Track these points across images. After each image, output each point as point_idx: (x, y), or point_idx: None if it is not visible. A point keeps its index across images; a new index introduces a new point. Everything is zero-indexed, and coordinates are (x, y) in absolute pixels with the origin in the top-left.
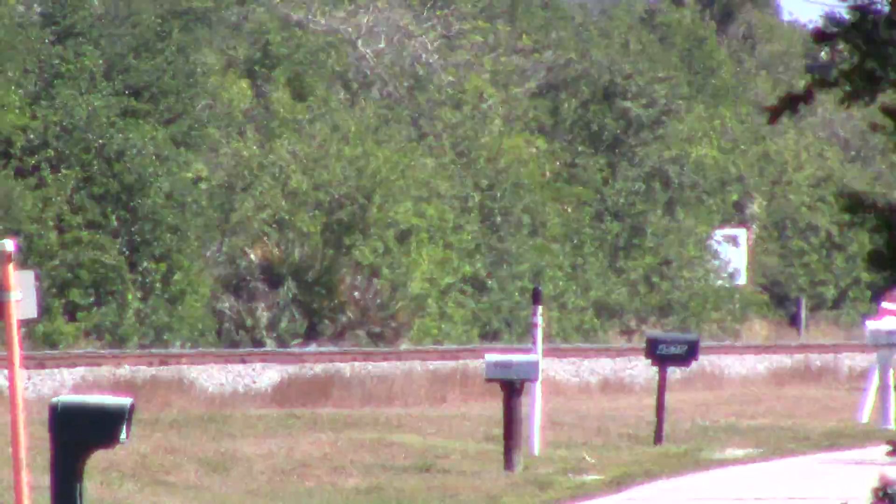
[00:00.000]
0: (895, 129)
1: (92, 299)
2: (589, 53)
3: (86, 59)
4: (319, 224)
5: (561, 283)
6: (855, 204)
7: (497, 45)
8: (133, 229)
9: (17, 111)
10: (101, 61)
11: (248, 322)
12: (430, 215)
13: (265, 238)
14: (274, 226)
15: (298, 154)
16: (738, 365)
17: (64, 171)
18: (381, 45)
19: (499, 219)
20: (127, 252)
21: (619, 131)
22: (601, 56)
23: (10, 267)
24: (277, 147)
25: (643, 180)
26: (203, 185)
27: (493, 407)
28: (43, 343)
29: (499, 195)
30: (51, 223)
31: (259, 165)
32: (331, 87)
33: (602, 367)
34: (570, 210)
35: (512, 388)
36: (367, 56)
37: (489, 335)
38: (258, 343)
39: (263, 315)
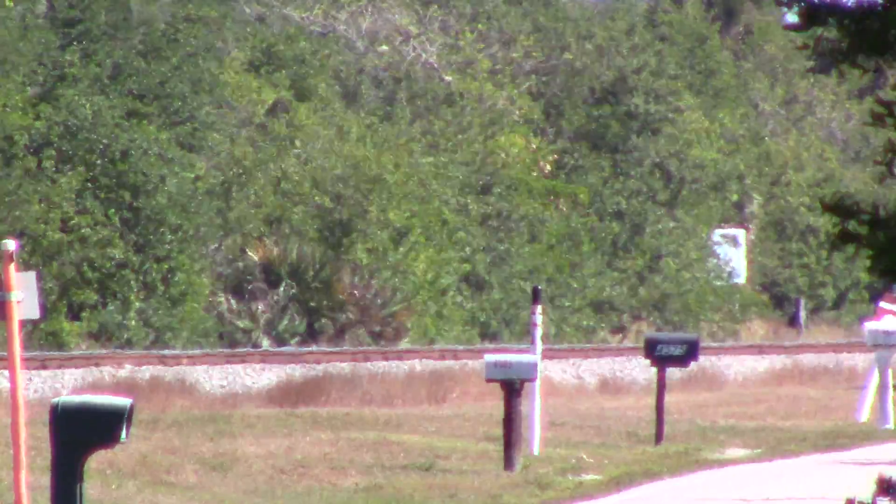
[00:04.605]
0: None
1: (95, 297)
2: (597, 45)
3: (92, 62)
4: (318, 224)
5: (559, 282)
6: (846, 208)
7: (494, 43)
8: (136, 230)
9: (20, 111)
10: (108, 62)
11: (248, 322)
12: (428, 215)
13: (264, 238)
14: (273, 225)
15: (303, 155)
16: (738, 365)
17: (68, 171)
18: (383, 48)
19: (495, 222)
20: (131, 252)
21: (622, 132)
22: (603, 43)
23: (12, 267)
24: (286, 145)
25: (643, 179)
26: (201, 186)
27: (493, 407)
28: (47, 342)
29: (494, 199)
30: (56, 223)
31: (256, 165)
32: (330, 88)
33: (601, 367)
34: (565, 209)
35: (512, 388)
36: (367, 57)
37: (488, 335)
38: (258, 343)
39: (263, 315)
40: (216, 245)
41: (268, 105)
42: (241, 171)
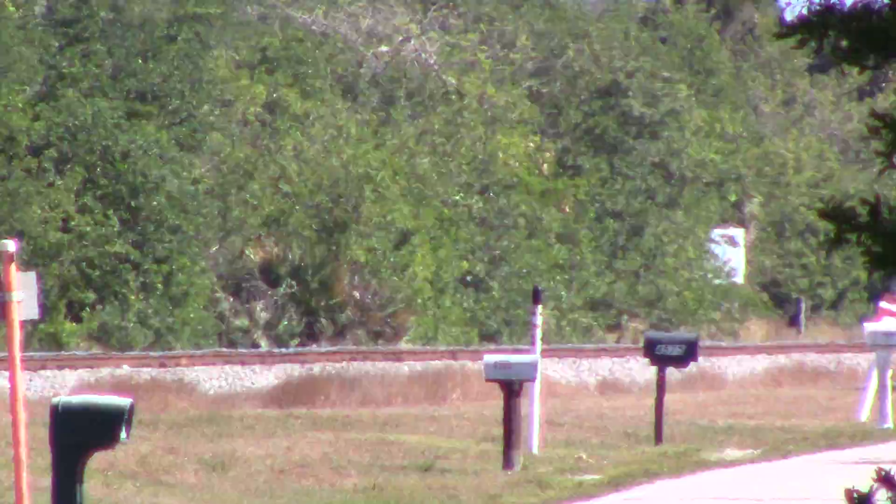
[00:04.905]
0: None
1: (95, 298)
2: (593, 49)
3: (91, 63)
4: (316, 223)
5: (559, 282)
6: (843, 214)
7: (496, 44)
8: (136, 230)
9: (20, 112)
10: (107, 62)
11: (247, 322)
12: (428, 215)
13: (262, 238)
14: (272, 225)
15: (302, 154)
16: (737, 365)
17: (68, 171)
18: (383, 48)
19: (494, 220)
20: (130, 248)
21: (619, 133)
22: (603, 53)
23: (13, 268)
24: (285, 143)
25: (642, 178)
26: (201, 186)
27: (492, 407)
28: (46, 343)
29: (492, 195)
30: (56, 223)
31: (256, 165)
32: (332, 89)
33: (601, 366)
34: (567, 209)
35: (511, 389)
36: (367, 57)
37: (487, 335)
38: (257, 343)
39: (262, 315)
40: (216, 247)
41: (260, 102)
42: (240, 171)
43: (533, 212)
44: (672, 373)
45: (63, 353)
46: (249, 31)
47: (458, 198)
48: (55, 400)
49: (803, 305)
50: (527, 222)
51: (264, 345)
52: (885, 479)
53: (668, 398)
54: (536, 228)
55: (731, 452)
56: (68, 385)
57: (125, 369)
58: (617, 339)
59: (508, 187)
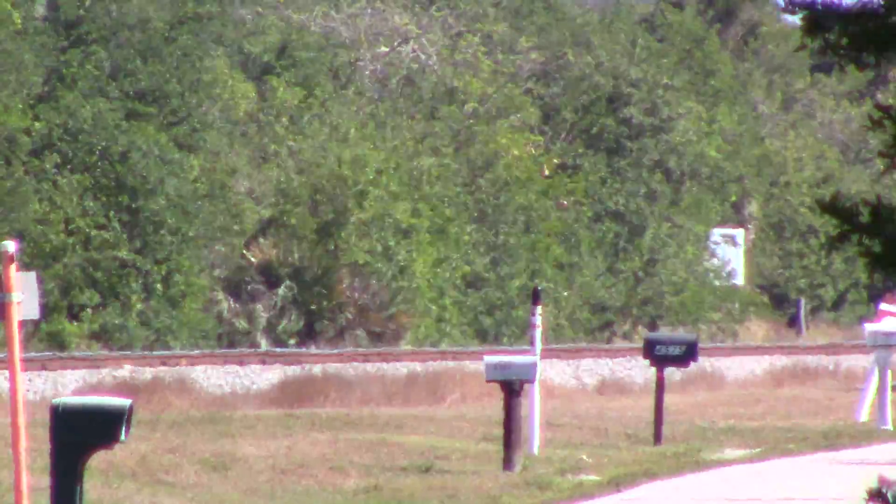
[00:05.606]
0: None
1: (98, 300)
2: (596, 52)
3: (90, 63)
4: (314, 224)
5: (559, 282)
6: (844, 210)
7: (496, 46)
8: (136, 232)
9: (20, 113)
10: (107, 63)
11: (247, 323)
12: (428, 214)
13: (261, 239)
14: (272, 226)
15: (300, 153)
16: (737, 366)
17: (68, 173)
18: (383, 49)
19: (493, 219)
20: (133, 253)
21: (620, 135)
22: (605, 59)
23: (13, 268)
24: (284, 143)
25: (642, 179)
26: (201, 187)
27: (492, 407)
28: (48, 343)
29: (492, 196)
30: (57, 225)
31: (255, 165)
32: (335, 90)
33: (601, 367)
34: (567, 204)
35: (511, 389)
36: (367, 57)
37: (487, 335)
38: (257, 344)
39: (262, 316)
40: (213, 249)
41: (259, 102)
42: (238, 171)
43: (532, 210)
44: (672, 373)
45: (64, 353)
46: (247, 31)
47: (457, 197)
48: (55, 401)
49: (803, 306)
50: (526, 221)
51: (264, 345)
52: (877, 495)
53: (668, 398)
54: (535, 228)
55: (731, 452)
56: (69, 385)
57: (126, 369)
58: (608, 339)
59: (507, 184)
